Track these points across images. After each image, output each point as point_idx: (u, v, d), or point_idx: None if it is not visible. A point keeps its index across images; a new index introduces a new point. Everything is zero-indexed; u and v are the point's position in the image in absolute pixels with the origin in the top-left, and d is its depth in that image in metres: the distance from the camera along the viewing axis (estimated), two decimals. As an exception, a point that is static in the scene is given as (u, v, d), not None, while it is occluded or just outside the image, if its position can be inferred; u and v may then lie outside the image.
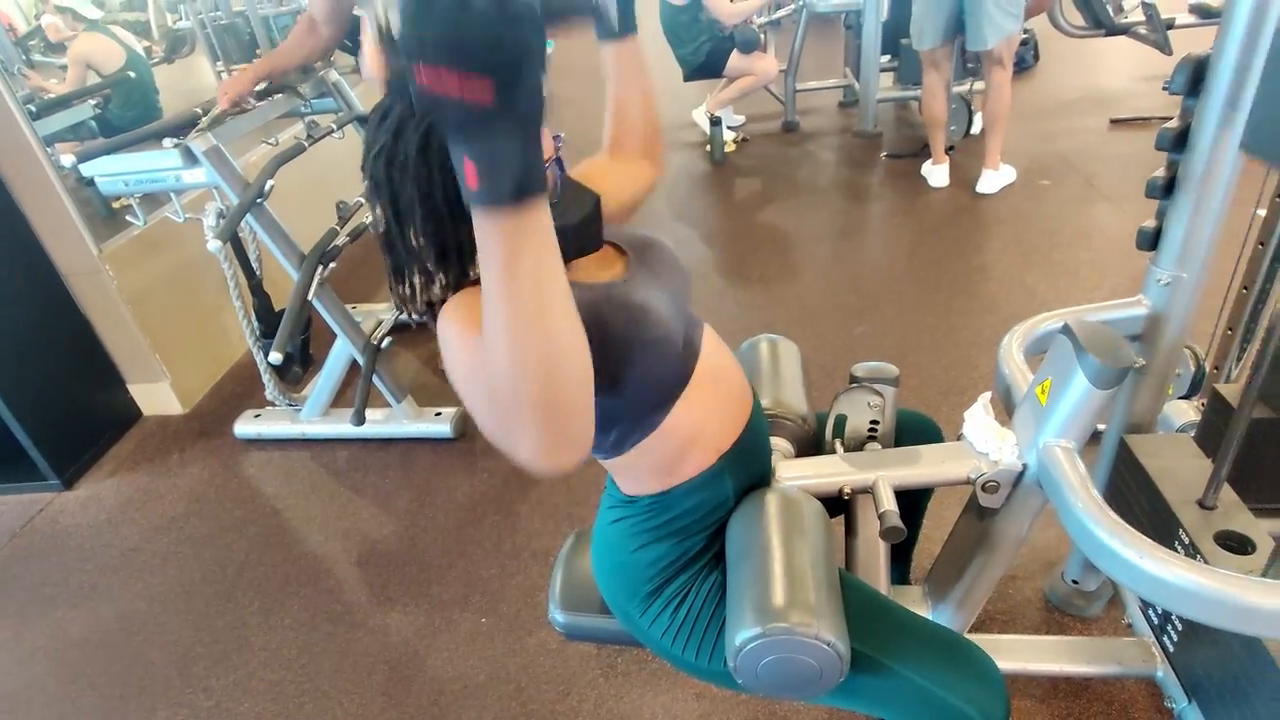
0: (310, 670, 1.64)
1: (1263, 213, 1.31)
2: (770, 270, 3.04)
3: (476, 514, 2.00)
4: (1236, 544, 1.04)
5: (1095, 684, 1.36)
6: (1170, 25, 4.02)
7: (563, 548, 1.22)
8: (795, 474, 1.05)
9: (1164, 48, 4.06)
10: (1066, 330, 0.92)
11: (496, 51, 0.46)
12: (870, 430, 1.09)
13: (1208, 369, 1.47)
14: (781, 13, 4.16)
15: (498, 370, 0.58)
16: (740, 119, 4.62)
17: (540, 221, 0.54)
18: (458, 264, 0.79)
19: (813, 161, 4.09)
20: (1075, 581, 1.54)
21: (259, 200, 1.91)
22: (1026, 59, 5.02)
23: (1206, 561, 1.02)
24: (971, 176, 3.47)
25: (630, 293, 0.85)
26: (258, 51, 3.66)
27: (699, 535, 0.96)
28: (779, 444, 1.11)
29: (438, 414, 2.33)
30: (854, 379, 1.08)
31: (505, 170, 0.50)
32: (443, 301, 0.78)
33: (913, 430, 1.20)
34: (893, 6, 3.96)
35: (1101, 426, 1.43)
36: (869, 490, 1.02)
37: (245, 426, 2.40)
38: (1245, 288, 1.42)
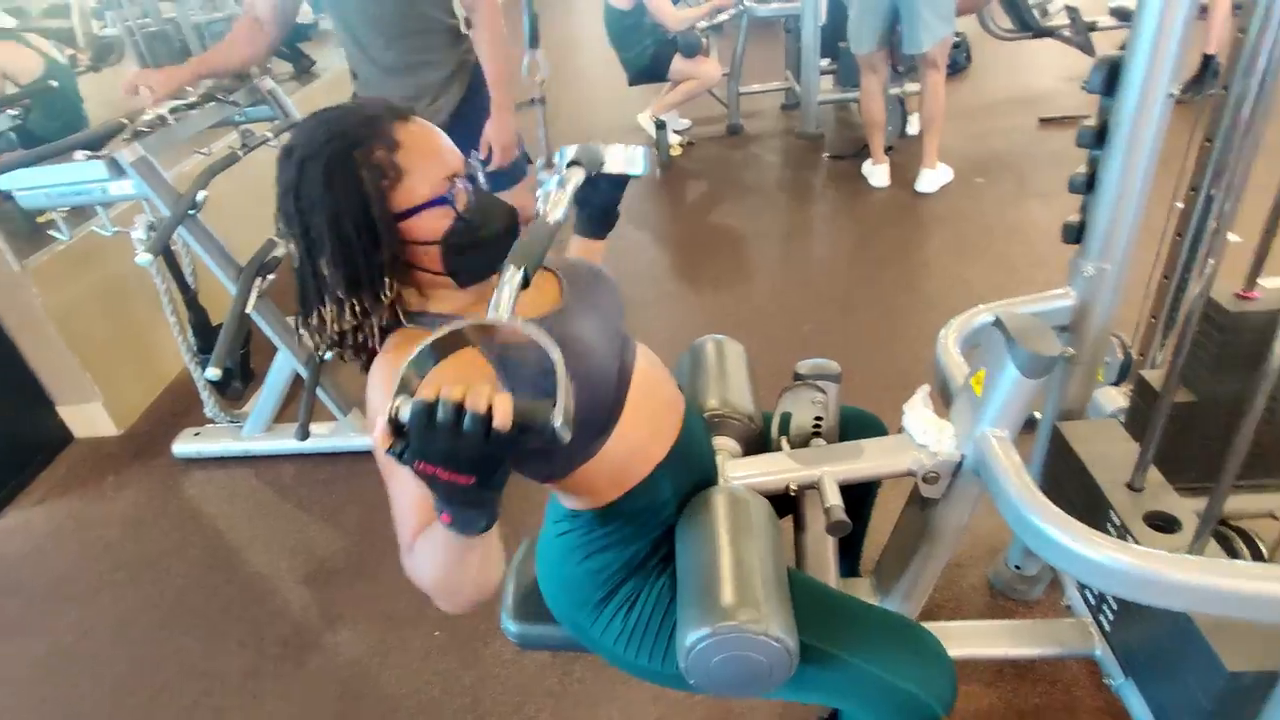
0: (258, 694, 1.59)
1: (1181, 205, 1.37)
2: (720, 272, 3.07)
3: (428, 526, 1.97)
4: (1164, 523, 1.08)
5: (1039, 665, 1.40)
6: (1092, 27, 4.19)
7: (514, 557, 1.20)
8: (742, 473, 1.06)
9: (1087, 49, 4.23)
10: (997, 323, 0.95)
11: (478, 464, 0.60)
12: (815, 426, 1.11)
13: (1134, 356, 1.53)
14: (723, 17, 4.21)
15: (423, 567, 0.75)
16: (686, 123, 4.66)
17: (488, 535, 0.69)
18: (370, 289, 0.81)
19: (758, 163, 4.14)
20: (1017, 567, 1.58)
21: (191, 212, 1.85)
22: (959, 61, 5.17)
23: (1137, 542, 1.06)
24: (911, 176, 3.55)
25: (566, 325, 0.87)
26: (189, 60, 3.55)
27: (643, 540, 0.97)
28: (726, 444, 1.12)
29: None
30: (798, 376, 1.10)
31: (475, 521, 0.66)
32: (355, 330, 0.82)
33: (857, 426, 1.22)
34: (830, 10, 4.03)
35: (1038, 414, 1.48)
36: (815, 486, 1.03)
37: (184, 445, 2.32)
38: (1166, 277, 1.49)
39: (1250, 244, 1.18)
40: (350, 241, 0.79)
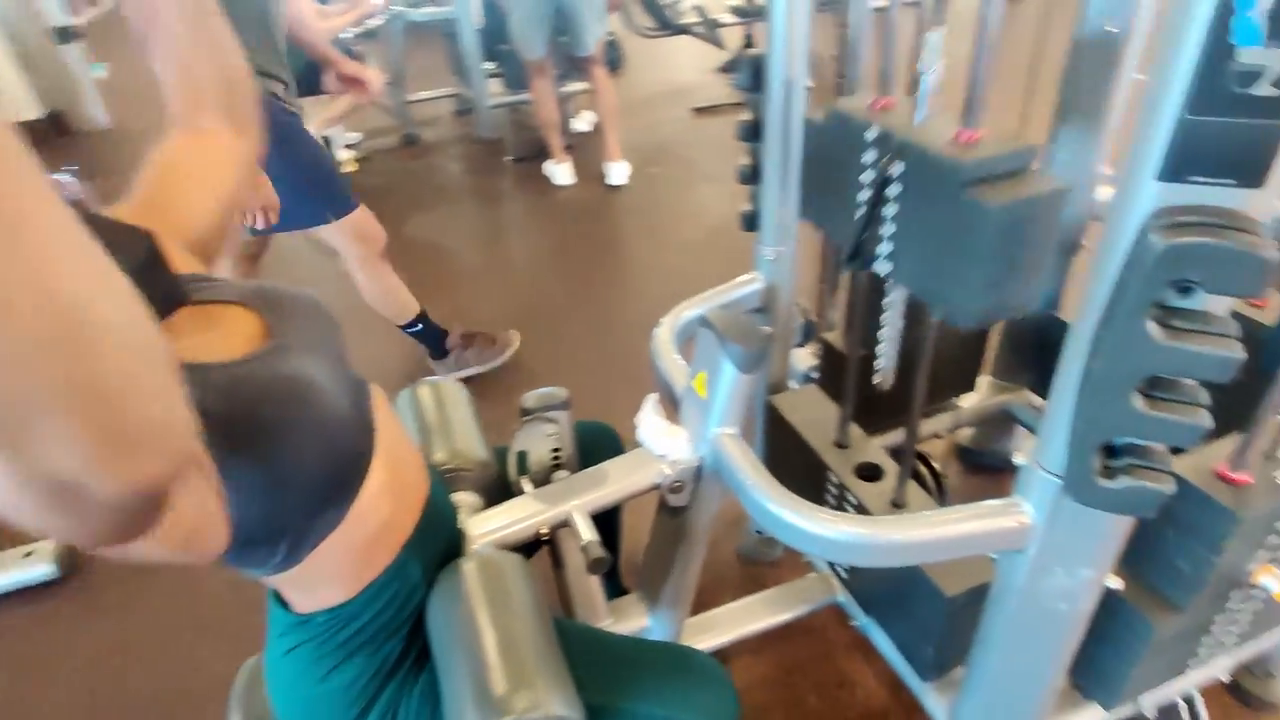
0: None
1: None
2: (420, 292, 2.88)
3: (115, 667, 1.57)
4: (870, 473, 1.20)
5: (798, 623, 1.49)
6: (718, 24, 4.67)
7: (233, 688, 0.99)
8: (488, 528, 0.97)
9: (718, 43, 4.71)
10: (706, 324, 0.96)
11: None
12: (554, 459, 1.05)
13: (815, 319, 1.71)
14: (373, 23, 3.95)
15: None
16: (355, 136, 4.32)
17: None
18: None
19: (441, 172, 3.98)
20: (759, 532, 1.69)
21: None
22: (614, 59, 5.46)
23: (854, 495, 1.16)
24: (595, 171, 3.66)
25: (278, 365, 0.66)
26: None
27: (396, 638, 0.83)
28: (465, 499, 1.01)
29: (28, 554, 1.79)
30: (525, 411, 1.02)
31: None
32: None
33: (593, 441, 1.18)
34: (487, 13, 3.99)
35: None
36: (567, 523, 0.97)
37: None
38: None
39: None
40: None
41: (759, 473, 0.91)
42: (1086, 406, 0.69)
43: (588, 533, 0.93)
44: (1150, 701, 1.11)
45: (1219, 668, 1.14)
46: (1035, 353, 1.63)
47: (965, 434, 1.90)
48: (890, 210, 0.91)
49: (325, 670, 0.81)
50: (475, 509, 1.01)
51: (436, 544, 0.88)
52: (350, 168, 4.00)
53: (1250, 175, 0.58)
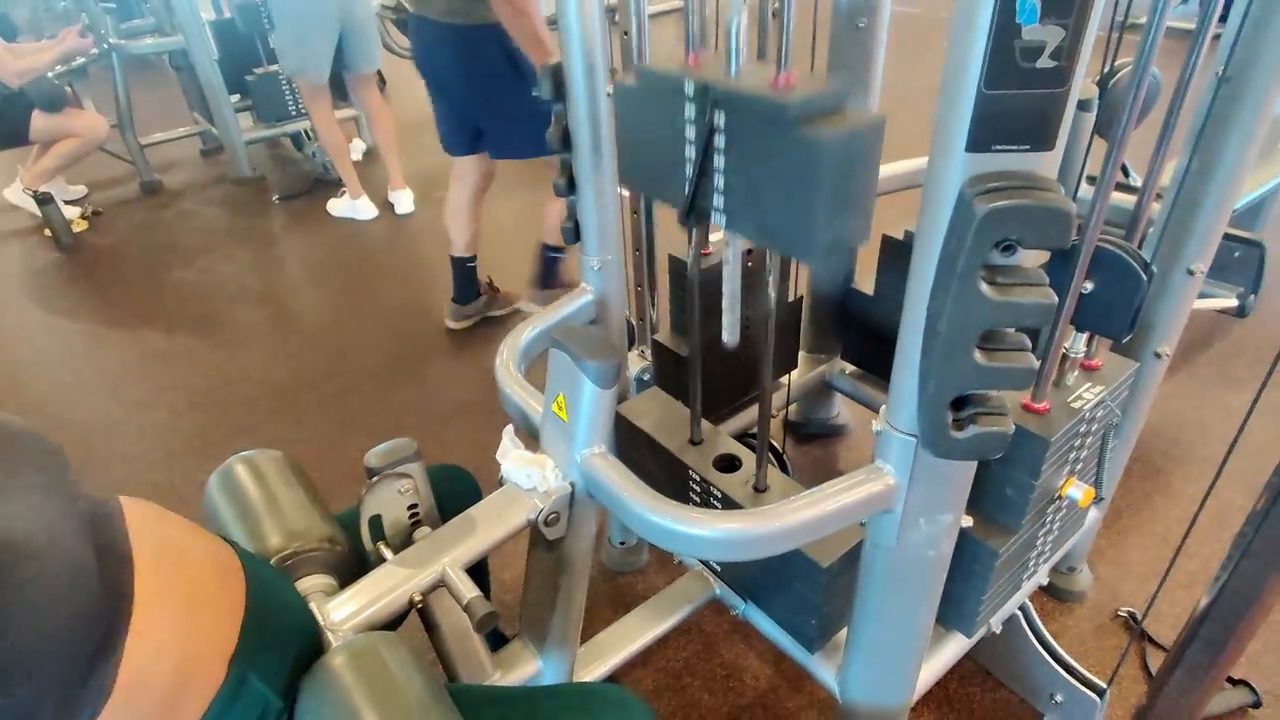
0: None
1: (627, 193, 1.54)
2: (200, 359, 2.54)
3: None
4: (728, 464, 1.22)
5: (678, 625, 1.50)
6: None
7: None
8: (350, 611, 0.85)
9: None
10: (558, 344, 0.92)
11: None
12: (412, 517, 0.95)
13: (634, 321, 1.72)
14: (81, 60, 3.42)
15: None
16: (80, 189, 3.74)
17: None
18: None
19: (196, 221, 3.55)
20: (622, 543, 1.67)
21: None
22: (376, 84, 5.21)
23: (718, 488, 1.17)
24: (376, 201, 3.45)
25: None
26: None
27: (256, 765, 0.71)
28: (315, 583, 0.89)
29: None
30: (371, 472, 0.92)
31: None
32: None
33: (446, 488, 1.09)
34: (222, 44, 3.62)
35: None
36: (441, 584, 0.88)
37: None
38: (638, 250, 1.69)
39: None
40: None
41: (638, 488, 0.88)
42: (934, 368, 0.74)
43: (468, 590, 0.85)
44: (996, 620, 1.23)
45: (1042, 575, 1.29)
46: (842, 324, 1.76)
47: (791, 409, 2.01)
48: (719, 162, 0.90)
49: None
50: (330, 592, 0.89)
51: (280, 649, 0.76)
52: (79, 226, 3.45)
53: (1042, 139, 0.64)
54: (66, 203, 3.54)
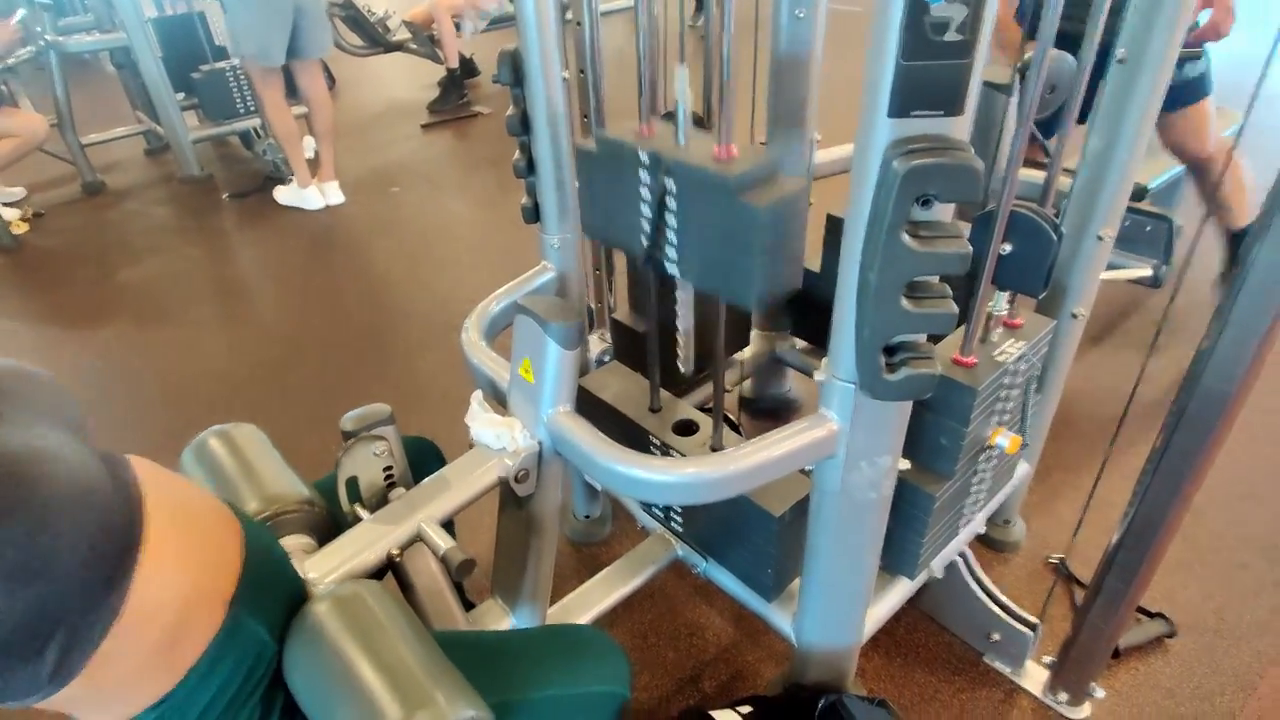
0: None
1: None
2: (155, 357, 2.52)
3: None
4: (686, 428, 1.29)
5: (641, 591, 1.55)
6: (434, 39, 4.61)
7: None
8: (331, 566, 0.90)
9: (435, 58, 4.65)
10: (522, 309, 0.98)
11: None
12: (387, 478, 1.00)
13: (593, 305, 1.78)
14: (14, 58, 3.33)
15: None
16: (18, 191, 3.64)
17: None
18: None
19: (143, 220, 3.49)
20: (586, 516, 1.73)
21: None
22: (324, 81, 5.16)
23: (676, 449, 1.24)
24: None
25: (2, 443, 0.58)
26: None
27: (251, 702, 0.75)
28: (295, 543, 0.93)
29: None
30: (347, 434, 0.96)
31: None
32: None
33: (418, 458, 1.14)
34: (165, 41, 3.56)
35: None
36: (418, 539, 0.93)
37: None
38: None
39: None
40: None
41: (602, 441, 0.95)
42: (867, 316, 0.82)
43: (444, 542, 0.90)
44: (938, 564, 1.33)
45: (978, 523, 1.39)
46: (791, 301, 1.84)
47: (745, 386, 2.10)
48: (671, 220, 0.99)
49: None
50: (310, 551, 0.94)
51: (273, 596, 0.81)
52: (20, 229, 3.37)
53: (952, 105, 0.73)
54: (5, 205, 3.46)
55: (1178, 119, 2.03)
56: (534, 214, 1.33)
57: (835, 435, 0.95)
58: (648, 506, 1.46)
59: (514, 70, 1.19)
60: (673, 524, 1.39)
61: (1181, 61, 1.52)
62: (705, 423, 1.27)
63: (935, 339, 0.90)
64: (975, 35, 0.69)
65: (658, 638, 1.51)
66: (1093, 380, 2.07)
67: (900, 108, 0.73)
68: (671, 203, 0.96)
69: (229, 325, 2.70)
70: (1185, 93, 1.99)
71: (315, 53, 3.19)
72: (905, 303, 0.80)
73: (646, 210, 1.00)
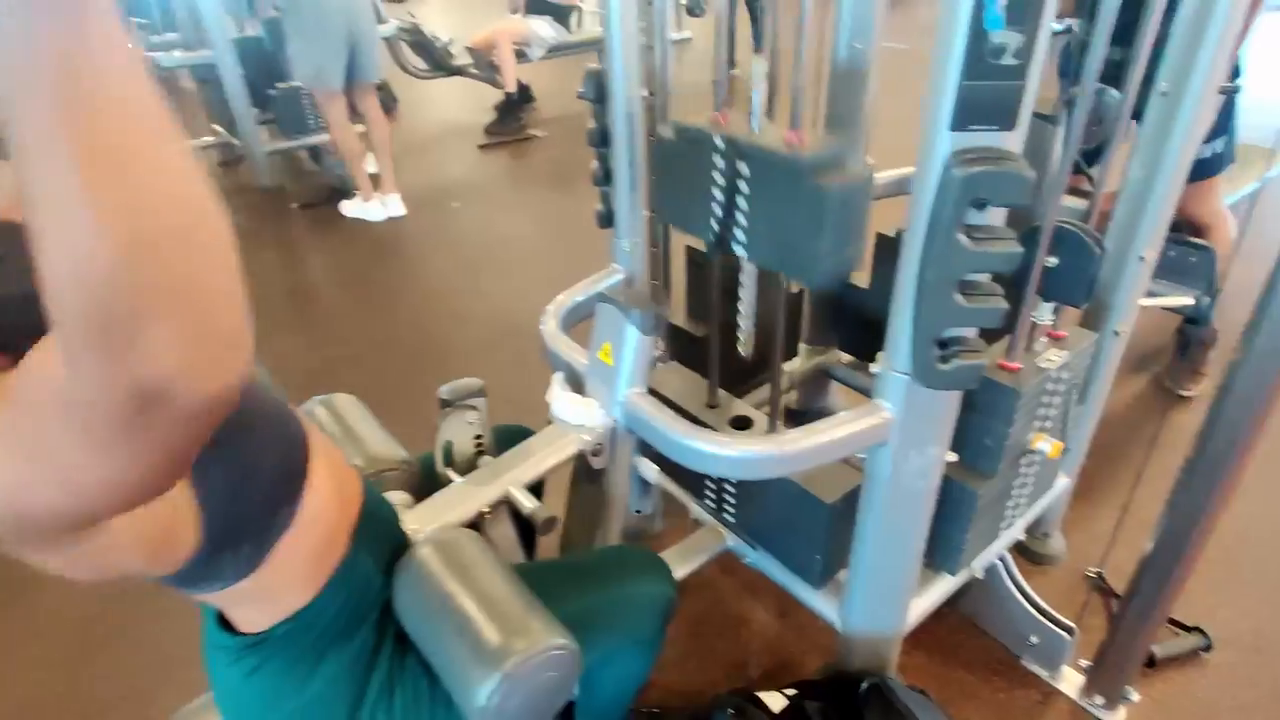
0: None
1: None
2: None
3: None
4: (743, 424, 1.38)
5: (691, 581, 1.63)
6: (494, 65, 4.83)
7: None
8: (428, 518, 1.00)
9: (495, 83, 4.86)
10: (605, 299, 1.08)
11: None
12: (478, 446, 1.10)
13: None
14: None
15: (77, 273, 0.34)
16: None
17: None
18: None
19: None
20: (639, 511, 1.82)
21: None
22: (387, 102, 5.41)
23: (733, 443, 1.33)
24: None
25: None
26: None
27: (365, 624, 0.85)
28: (396, 498, 1.03)
29: None
30: (445, 403, 1.07)
31: None
32: None
33: (509, 440, 1.24)
34: (245, 60, 3.80)
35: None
36: (505, 501, 1.03)
37: None
38: (654, 247, 1.86)
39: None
40: None
41: (672, 418, 1.04)
42: (924, 310, 0.91)
43: (530, 501, 1.00)
44: (979, 564, 1.39)
45: (1018, 529, 1.45)
46: (840, 316, 1.93)
47: (790, 397, 2.17)
48: (741, 203, 1.09)
49: (301, 678, 0.81)
50: (408, 505, 1.04)
51: (381, 538, 0.91)
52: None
53: (1007, 121, 0.82)
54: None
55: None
56: (608, 219, 1.44)
57: (889, 423, 1.03)
58: (700, 497, 1.54)
59: (598, 88, 1.31)
60: (725, 514, 1.47)
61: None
62: (760, 420, 1.35)
63: (987, 338, 0.99)
64: (1029, 59, 0.78)
65: (708, 628, 1.59)
66: (1135, 408, 2.11)
67: (960, 122, 0.82)
68: (743, 186, 1.05)
69: (297, 325, 2.86)
70: (1195, 169, 2.03)
71: (370, 76, 3.41)
72: (959, 298, 0.88)
73: (718, 194, 1.09)
